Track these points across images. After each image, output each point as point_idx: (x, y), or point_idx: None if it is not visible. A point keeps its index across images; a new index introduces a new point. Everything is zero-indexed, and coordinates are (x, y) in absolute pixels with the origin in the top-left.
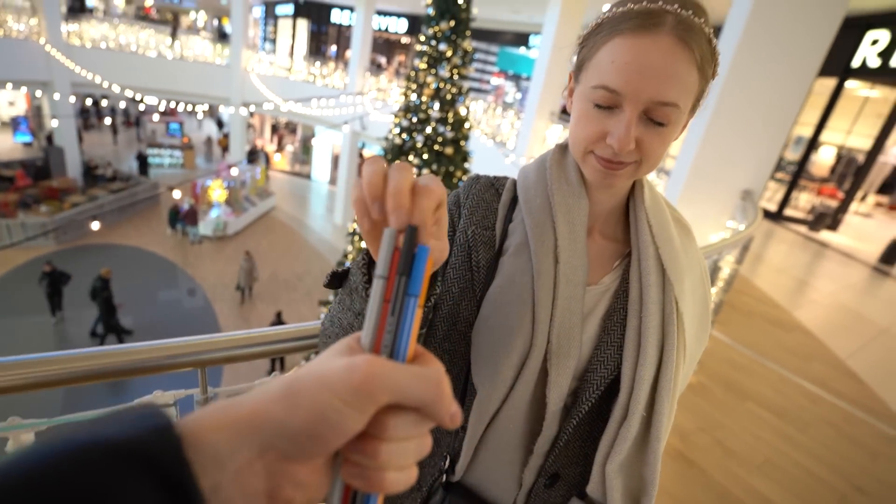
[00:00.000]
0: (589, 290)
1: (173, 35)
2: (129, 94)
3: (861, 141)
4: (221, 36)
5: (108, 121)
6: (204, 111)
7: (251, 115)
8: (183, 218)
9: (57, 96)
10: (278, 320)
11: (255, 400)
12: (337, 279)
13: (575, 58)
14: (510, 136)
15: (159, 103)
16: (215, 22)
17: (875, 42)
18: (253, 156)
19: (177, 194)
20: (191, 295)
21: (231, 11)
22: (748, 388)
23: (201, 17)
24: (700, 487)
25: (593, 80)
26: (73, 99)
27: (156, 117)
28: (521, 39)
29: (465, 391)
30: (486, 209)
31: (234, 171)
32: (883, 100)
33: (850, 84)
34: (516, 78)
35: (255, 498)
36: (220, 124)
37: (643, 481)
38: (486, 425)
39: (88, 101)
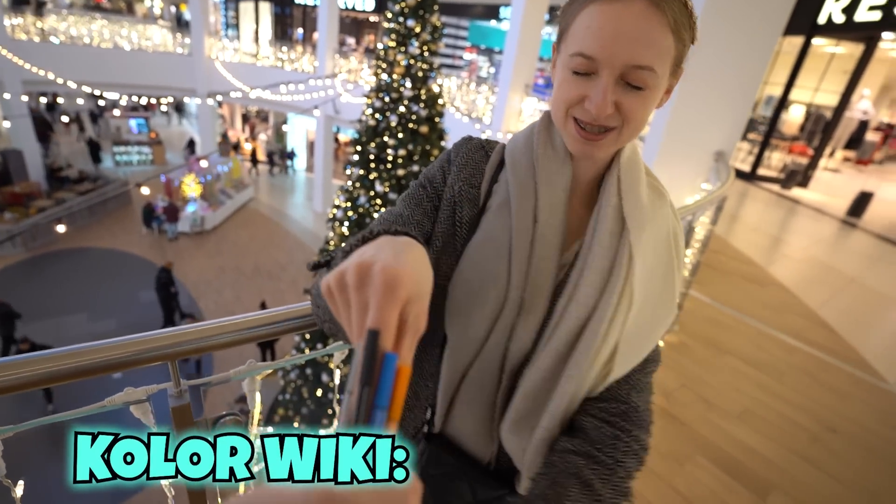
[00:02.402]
0: (563, 257)
1: (38, 13)
2: (86, 89)
3: (828, 98)
4: (180, 24)
5: (65, 119)
6: (168, 103)
7: (219, 105)
8: (164, 214)
9: (7, 96)
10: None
11: None
12: (320, 268)
13: (557, 28)
14: (485, 111)
15: (120, 98)
16: (173, 9)
17: None
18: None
19: (145, 191)
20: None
21: None
22: (728, 344)
23: (157, 5)
24: (683, 440)
25: (571, 48)
26: (25, 98)
27: (118, 113)
28: (492, 12)
29: (443, 344)
30: (474, 168)
31: (204, 164)
32: (848, 55)
33: (817, 41)
34: (489, 52)
35: None
36: (178, 109)
37: (543, 416)
38: (459, 377)
39: (42, 100)
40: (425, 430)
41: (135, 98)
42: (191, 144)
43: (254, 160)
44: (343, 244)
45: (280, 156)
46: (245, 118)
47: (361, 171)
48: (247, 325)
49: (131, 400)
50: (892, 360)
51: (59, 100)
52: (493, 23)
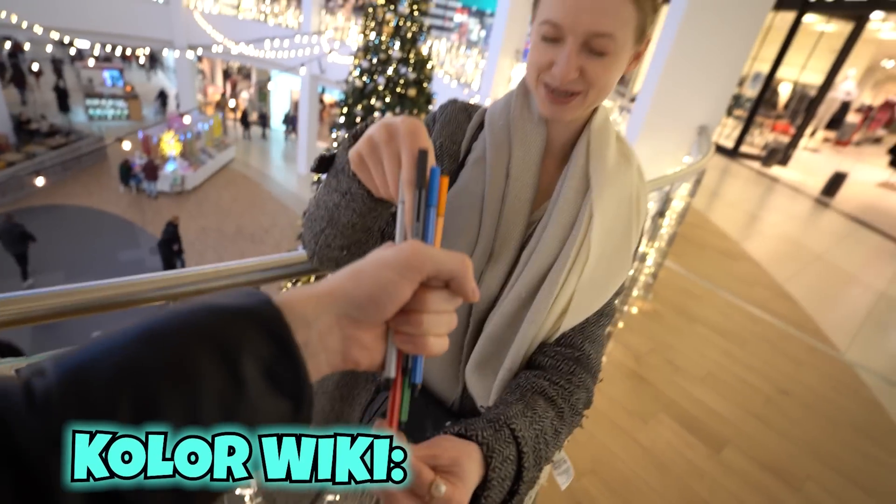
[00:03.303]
0: (534, 214)
1: None
2: (54, 36)
3: (814, 77)
4: None
5: (35, 67)
6: (145, 55)
7: (199, 59)
8: (142, 171)
9: None
10: None
11: (330, 281)
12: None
13: None
14: (475, 76)
15: (92, 47)
16: None
17: None
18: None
19: (127, 146)
20: (153, 254)
21: None
22: (698, 313)
23: None
24: (650, 399)
25: (541, 17)
26: None
27: (92, 64)
28: None
29: None
30: (456, 126)
31: (187, 120)
32: (837, 34)
33: (808, 18)
34: (480, 14)
35: (333, 354)
36: (153, 60)
37: (506, 357)
38: None
39: (7, 45)
40: None
41: (108, 48)
42: (161, 96)
43: (245, 122)
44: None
45: (285, 121)
46: (226, 74)
47: (347, 134)
48: (244, 271)
49: None
50: (846, 331)
51: (26, 46)
52: None
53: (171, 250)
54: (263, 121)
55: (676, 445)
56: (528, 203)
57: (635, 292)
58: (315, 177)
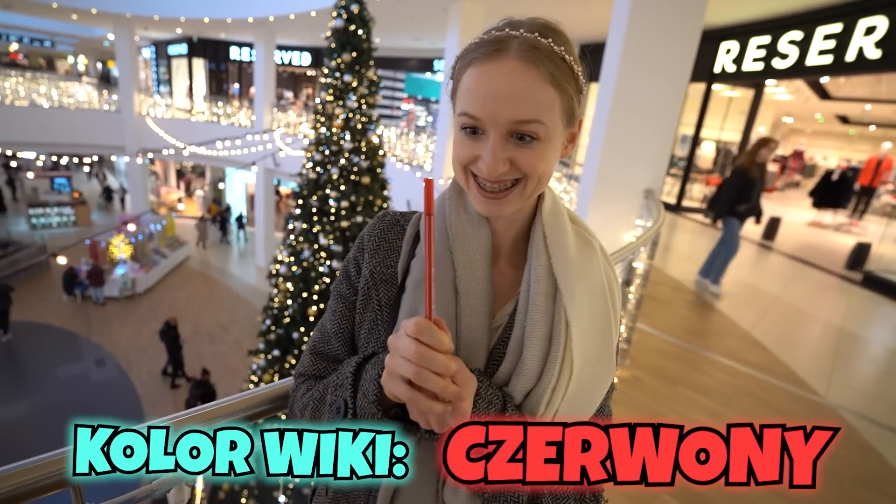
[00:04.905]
0: (495, 320)
1: None
2: None
3: (732, 135)
4: (108, 81)
5: None
6: (92, 162)
7: (151, 161)
8: (87, 278)
9: None
10: (203, 378)
11: None
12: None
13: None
14: (426, 158)
15: (37, 158)
16: (99, 66)
17: (728, 51)
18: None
19: (62, 261)
20: (99, 366)
21: (116, 54)
22: (677, 374)
23: (81, 62)
24: None
25: (459, 108)
26: None
27: (31, 177)
28: (426, 65)
29: None
30: (388, 248)
31: (132, 227)
32: (742, 98)
33: (717, 87)
34: (426, 102)
35: None
36: (100, 162)
37: None
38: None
39: None
40: None
41: (54, 157)
42: (106, 191)
43: (223, 225)
44: None
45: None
46: (180, 174)
47: (304, 225)
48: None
49: None
50: (818, 373)
51: None
52: (427, 75)
53: (177, 346)
54: (240, 222)
55: None
56: (486, 316)
57: None
58: (273, 269)
